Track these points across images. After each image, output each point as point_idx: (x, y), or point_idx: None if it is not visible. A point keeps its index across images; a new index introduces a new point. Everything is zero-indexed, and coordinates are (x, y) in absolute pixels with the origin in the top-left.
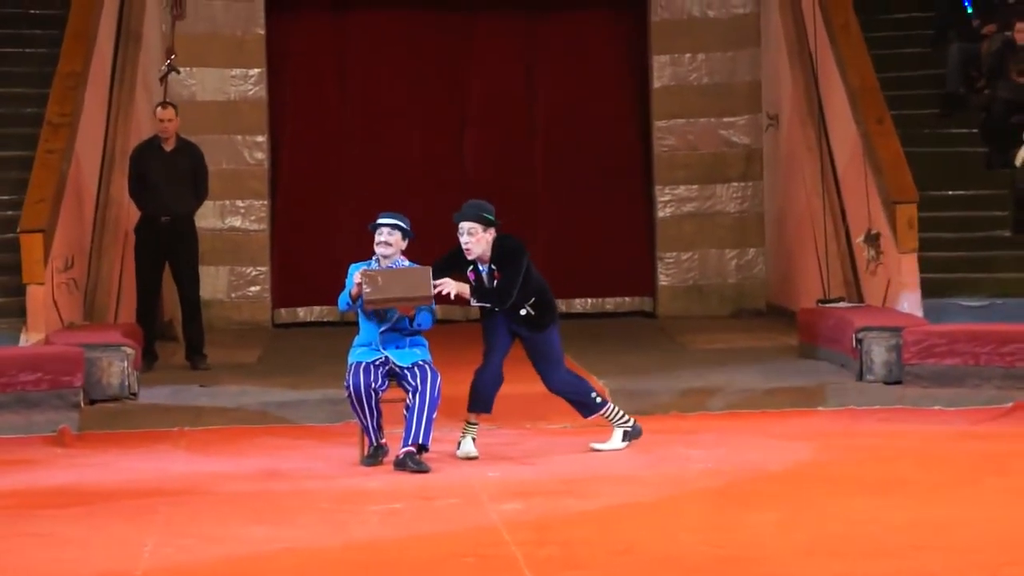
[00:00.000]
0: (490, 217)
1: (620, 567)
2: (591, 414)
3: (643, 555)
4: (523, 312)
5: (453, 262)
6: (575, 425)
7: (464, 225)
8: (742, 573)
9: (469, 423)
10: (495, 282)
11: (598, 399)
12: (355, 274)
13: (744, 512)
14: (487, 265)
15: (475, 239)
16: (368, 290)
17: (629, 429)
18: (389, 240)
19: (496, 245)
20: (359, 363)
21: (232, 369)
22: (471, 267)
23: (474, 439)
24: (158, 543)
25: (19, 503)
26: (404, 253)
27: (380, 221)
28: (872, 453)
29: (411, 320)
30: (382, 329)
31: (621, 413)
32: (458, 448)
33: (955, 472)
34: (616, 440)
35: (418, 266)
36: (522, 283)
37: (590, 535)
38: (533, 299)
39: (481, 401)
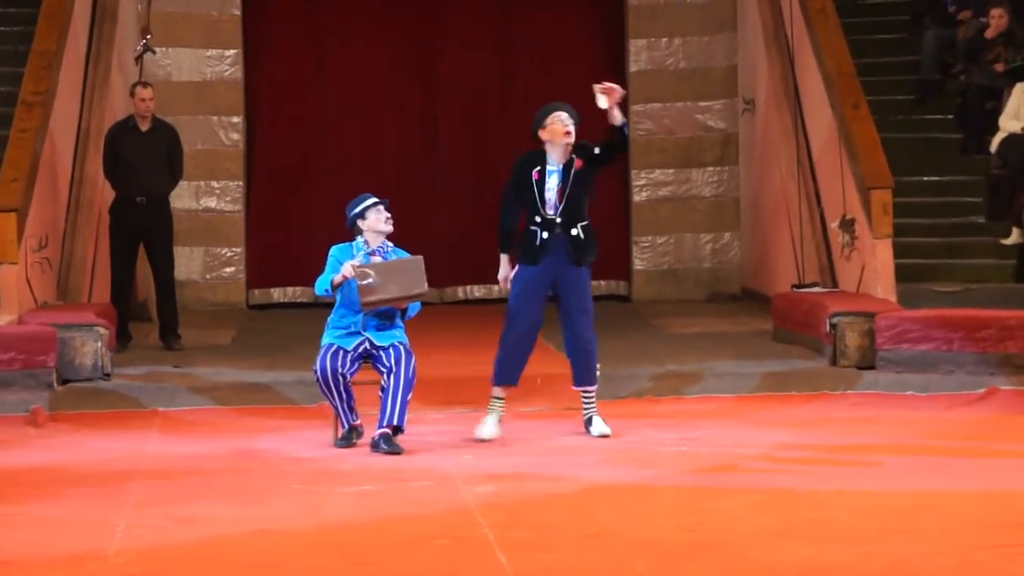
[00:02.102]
0: (575, 114)
1: (592, 550)
2: (585, 385)
3: (615, 538)
4: (575, 232)
5: (533, 162)
6: (550, 408)
7: (565, 115)
8: (714, 556)
9: (495, 398)
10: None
11: (598, 372)
12: (344, 266)
13: (716, 496)
14: (561, 164)
15: (575, 128)
16: (364, 290)
17: (596, 415)
18: (390, 216)
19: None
20: (332, 346)
21: (206, 350)
22: (537, 168)
23: (500, 417)
24: (130, 524)
25: None
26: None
27: (376, 200)
28: (845, 438)
29: (403, 313)
30: (366, 311)
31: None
32: (480, 426)
33: (926, 457)
34: (601, 424)
35: (410, 256)
36: (586, 193)
37: (563, 518)
38: (587, 221)
39: (511, 372)
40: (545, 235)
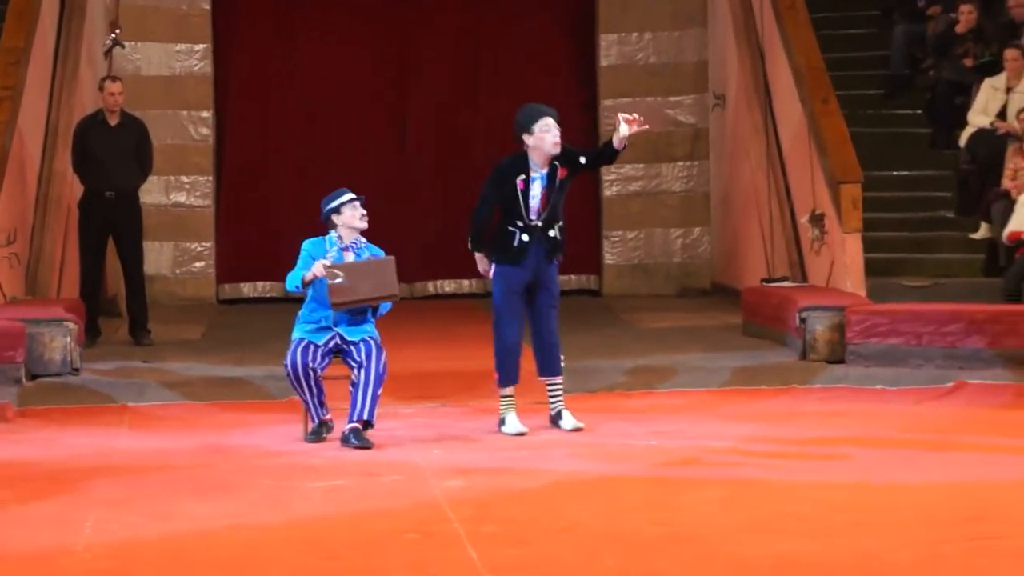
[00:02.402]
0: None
1: (563, 544)
2: (551, 375)
3: (586, 532)
4: (552, 233)
5: (516, 168)
6: (519, 403)
7: (553, 119)
8: (684, 551)
9: (505, 397)
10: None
11: (562, 364)
12: (315, 265)
13: (687, 490)
14: (545, 169)
15: (558, 132)
16: (334, 290)
17: (565, 409)
18: (365, 213)
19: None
20: (302, 340)
21: (176, 345)
22: (522, 176)
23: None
24: (100, 519)
25: None
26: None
27: (352, 197)
28: (814, 431)
29: (374, 310)
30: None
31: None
32: (502, 425)
33: (895, 451)
34: (572, 418)
35: (382, 257)
36: (562, 196)
37: (533, 512)
38: (561, 222)
39: (512, 372)
40: (525, 238)
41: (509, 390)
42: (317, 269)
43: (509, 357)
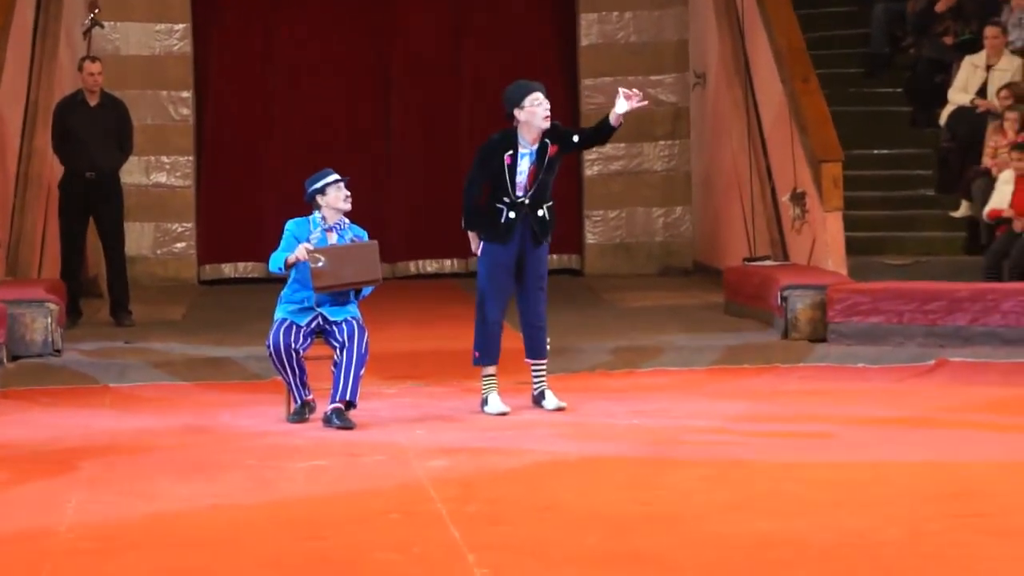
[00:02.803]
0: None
1: (545, 523)
2: (537, 357)
3: (568, 512)
4: (540, 213)
5: (505, 144)
6: (503, 383)
7: (543, 96)
8: (667, 530)
9: (487, 376)
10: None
11: (548, 346)
12: (298, 248)
13: (669, 469)
14: (534, 146)
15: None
16: (316, 274)
17: (548, 389)
18: (349, 195)
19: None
20: (284, 321)
21: (157, 326)
22: (510, 152)
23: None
24: (82, 500)
25: None
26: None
27: (337, 178)
28: (796, 410)
29: (357, 292)
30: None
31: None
32: (485, 405)
33: (877, 429)
34: (554, 398)
35: (365, 241)
36: (552, 176)
37: (516, 492)
38: (551, 202)
39: (492, 351)
40: (512, 215)
41: (491, 370)
42: (300, 252)
43: (491, 337)
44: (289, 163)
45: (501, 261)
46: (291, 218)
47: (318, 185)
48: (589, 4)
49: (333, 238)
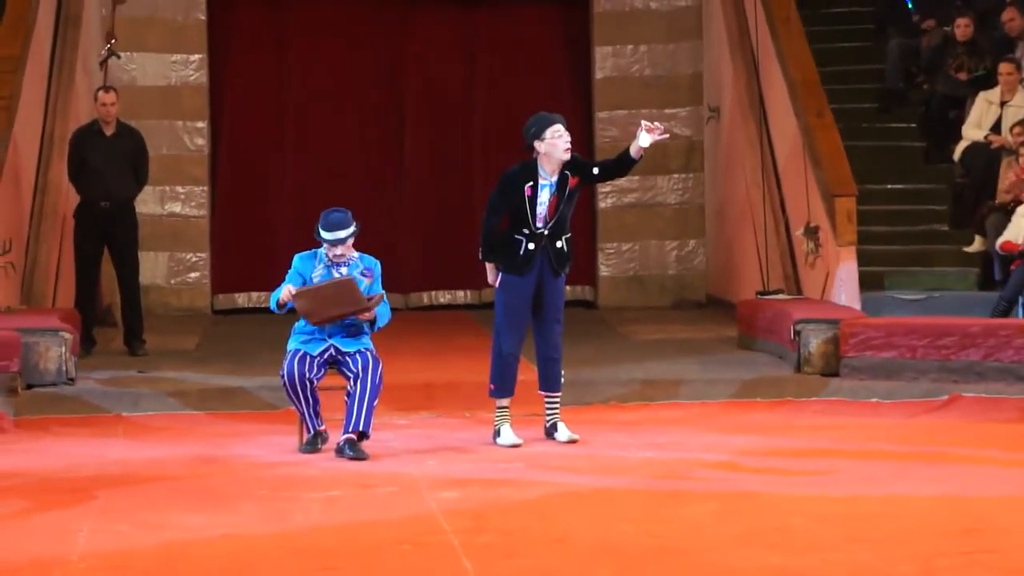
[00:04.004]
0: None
1: (557, 555)
2: (552, 390)
3: (580, 544)
4: (559, 245)
5: (525, 176)
6: (515, 414)
7: (563, 128)
8: (678, 563)
9: (501, 408)
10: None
11: (562, 379)
12: (283, 291)
13: (681, 503)
14: (554, 177)
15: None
16: (304, 312)
17: (560, 421)
18: (344, 252)
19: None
20: (298, 351)
21: (171, 355)
22: (530, 183)
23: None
24: (94, 529)
25: None
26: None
27: (334, 237)
28: (809, 444)
29: (371, 325)
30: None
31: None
32: (498, 436)
33: (889, 464)
34: (567, 430)
35: (340, 278)
36: (571, 211)
37: (528, 523)
38: (569, 234)
39: (508, 384)
40: (531, 247)
41: (505, 401)
42: (284, 295)
43: (507, 369)
44: (303, 194)
45: (519, 293)
46: (305, 249)
47: (324, 236)
48: (604, 37)
49: (342, 271)
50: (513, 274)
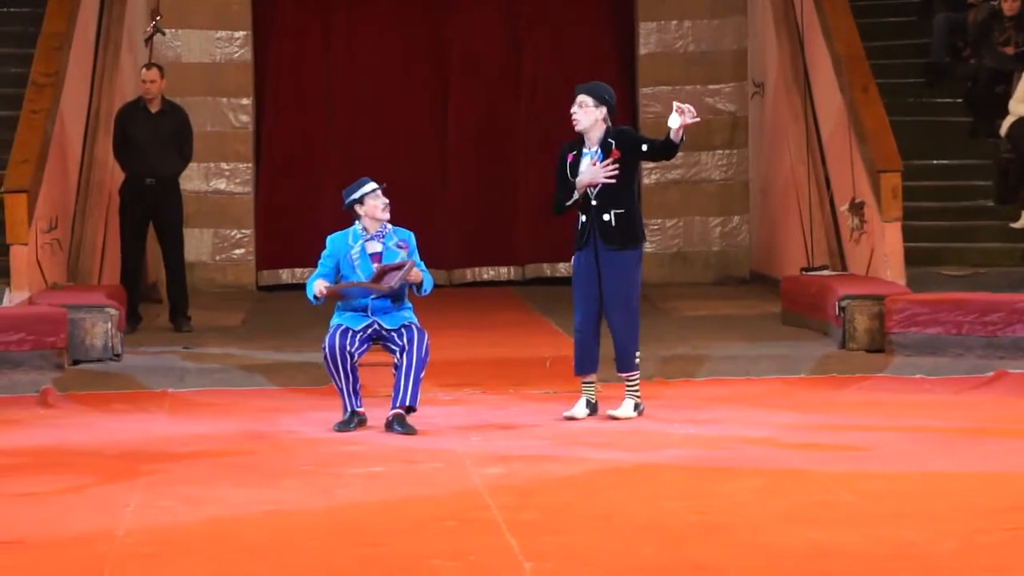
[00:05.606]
0: (606, 97)
1: (601, 532)
2: (625, 371)
3: (624, 520)
4: (606, 218)
5: (572, 145)
6: (559, 391)
7: (577, 97)
8: (722, 539)
9: (584, 383)
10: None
11: (637, 360)
12: (316, 287)
13: (725, 479)
14: (595, 147)
15: (583, 111)
16: (347, 298)
17: (639, 401)
18: (386, 210)
19: (613, 129)
20: (340, 326)
21: (216, 331)
22: (573, 152)
23: (589, 401)
24: (140, 504)
25: (1, 463)
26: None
27: (375, 187)
28: (853, 420)
29: (418, 287)
30: (374, 296)
31: (638, 383)
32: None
33: (934, 441)
34: (628, 408)
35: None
36: (626, 182)
37: (572, 500)
38: (623, 209)
39: (584, 362)
40: (584, 218)
41: (588, 377)
42: (318, 290)
43: (576, 345)
44: (347, 169)
45: (584, 270)
46: (347, 225)
47: (356, 195)
48: (648, 13)
49: (376, 247)
50: (577, 248)
